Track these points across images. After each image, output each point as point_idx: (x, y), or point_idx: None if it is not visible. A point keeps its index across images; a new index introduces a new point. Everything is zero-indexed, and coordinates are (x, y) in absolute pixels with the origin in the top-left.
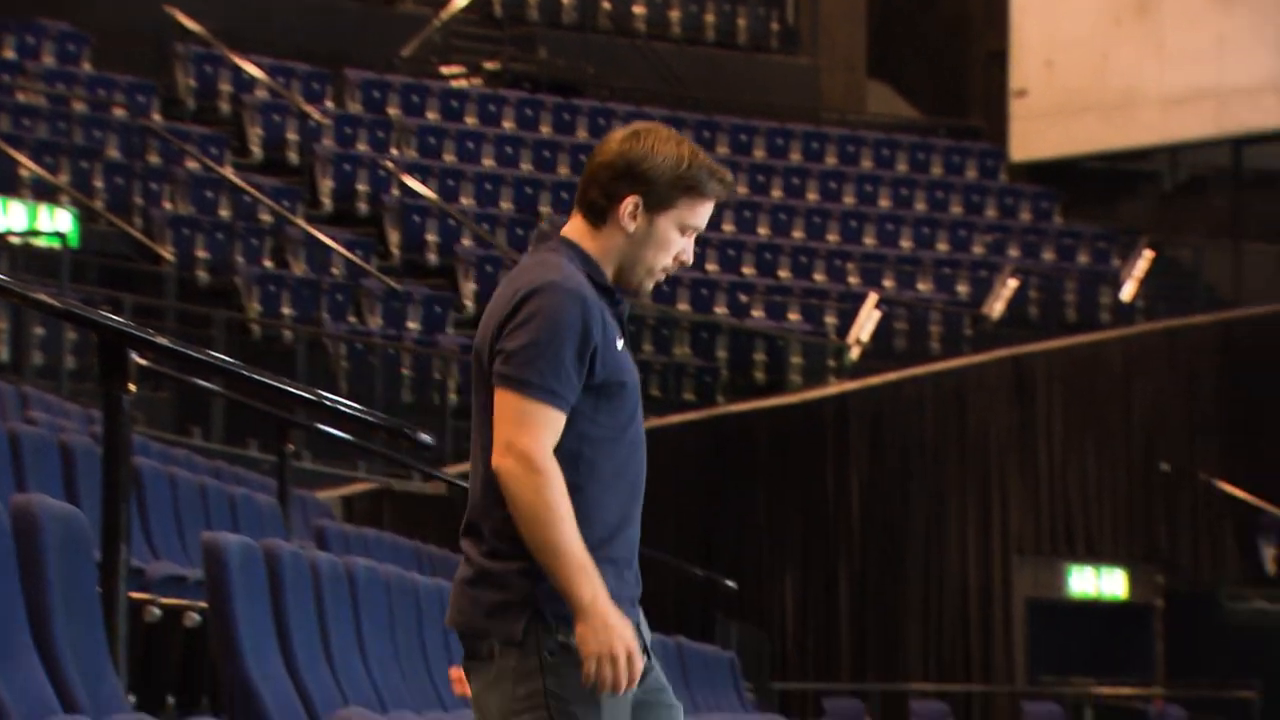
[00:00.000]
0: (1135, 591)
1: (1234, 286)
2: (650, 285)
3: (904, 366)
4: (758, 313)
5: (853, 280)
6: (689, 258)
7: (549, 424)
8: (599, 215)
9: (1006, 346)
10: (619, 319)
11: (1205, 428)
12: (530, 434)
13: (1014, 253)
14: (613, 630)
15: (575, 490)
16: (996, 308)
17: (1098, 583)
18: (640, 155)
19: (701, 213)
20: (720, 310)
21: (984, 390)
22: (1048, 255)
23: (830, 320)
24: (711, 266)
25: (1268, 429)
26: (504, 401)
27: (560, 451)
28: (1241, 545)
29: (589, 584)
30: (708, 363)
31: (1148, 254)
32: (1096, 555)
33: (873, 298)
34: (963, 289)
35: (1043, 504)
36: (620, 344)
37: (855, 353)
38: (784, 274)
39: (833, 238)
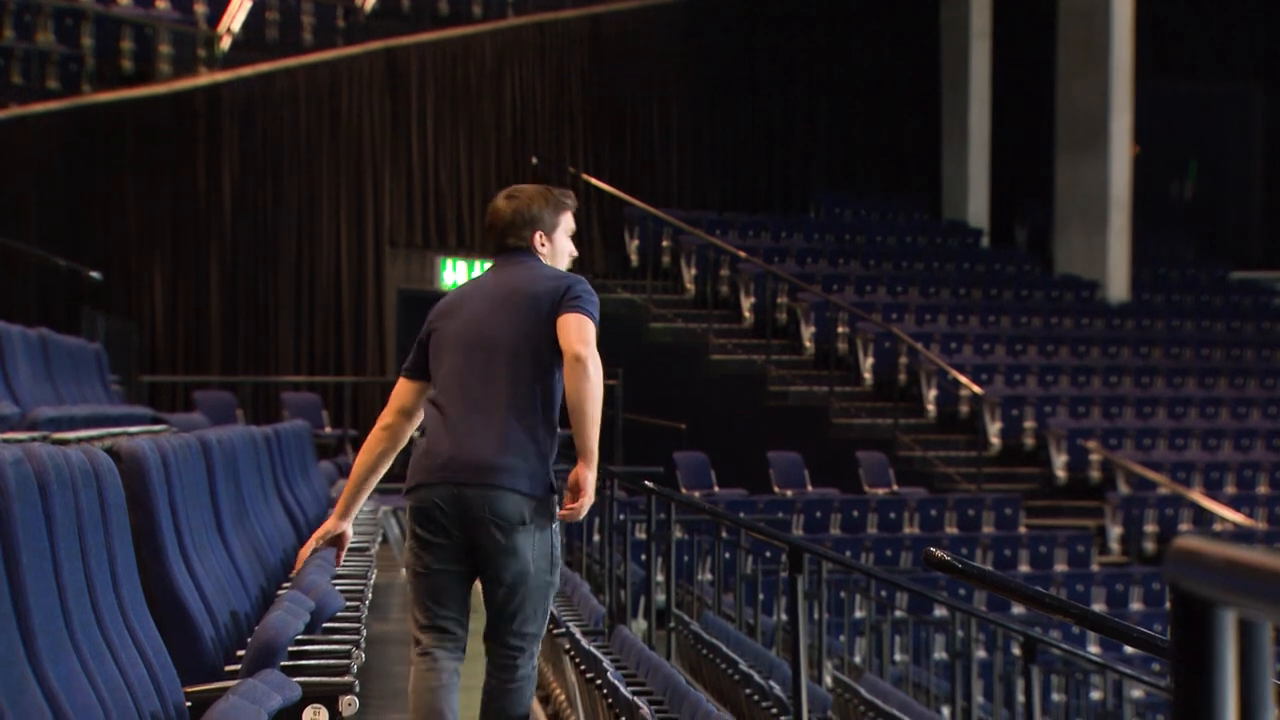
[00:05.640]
0: None
1: None
2: None
3: (276, 57)
4: None
5: None
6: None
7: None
8: (528, 246)
9: (379, 39)
10: None
11: (573, 121)
12: (594, 342)
13: None
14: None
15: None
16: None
17: (470, 275)
18: (524, 209)
19: (572, 219)
20: None
21: (356, 83)
22: None
23: (200, 9)
24: None
25: (630, 123)
26: (581, 322)
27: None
28: (607, 238)
29: None
30: (73, 50)
31: None
32: (468, 248)
33: None
34: None
35: (415, 197)
36: None
37: (226, 42)
38: None
39: None
